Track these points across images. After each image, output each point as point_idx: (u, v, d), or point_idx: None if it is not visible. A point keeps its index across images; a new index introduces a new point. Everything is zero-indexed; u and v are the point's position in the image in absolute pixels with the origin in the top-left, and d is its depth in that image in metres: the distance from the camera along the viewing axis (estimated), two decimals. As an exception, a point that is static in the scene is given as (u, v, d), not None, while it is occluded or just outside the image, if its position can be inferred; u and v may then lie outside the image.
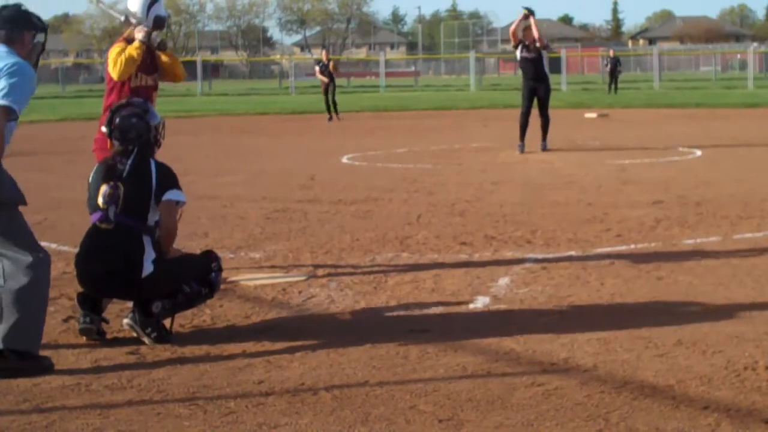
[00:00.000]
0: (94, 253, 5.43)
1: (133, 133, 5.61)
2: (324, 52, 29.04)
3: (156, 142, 5.76)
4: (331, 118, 26.30)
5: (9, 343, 4.84)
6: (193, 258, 5.73)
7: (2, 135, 4.83)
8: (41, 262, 4.96)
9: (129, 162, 5.54)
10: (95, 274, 5.41)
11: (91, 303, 5.52)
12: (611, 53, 42.45)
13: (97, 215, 5.47)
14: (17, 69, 4.86)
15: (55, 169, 14.42)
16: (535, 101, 16.30)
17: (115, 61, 6.73)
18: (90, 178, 5.65)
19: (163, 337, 5.42)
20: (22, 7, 5.22)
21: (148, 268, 5.39)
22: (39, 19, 5.24)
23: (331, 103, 26.69)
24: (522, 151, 15.93)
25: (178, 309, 5.54)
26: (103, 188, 5.47)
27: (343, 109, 27.37)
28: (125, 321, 5.49)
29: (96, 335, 5.46)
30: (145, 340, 5.39)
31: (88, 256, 5.47)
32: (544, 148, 16.17)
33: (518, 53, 16.35)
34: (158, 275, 5.39)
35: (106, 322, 5.61)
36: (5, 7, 5.28)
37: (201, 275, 5.56)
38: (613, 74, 39.69)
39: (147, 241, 5.42)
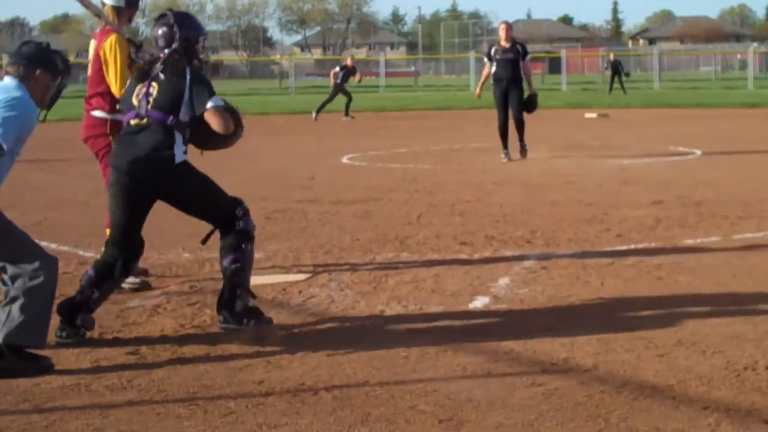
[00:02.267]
0: (126, 146, 5.59)
1: (162, 41, 5.73)
2: (349, 59, 29.45)
3: (190, 52, 5.74)
4: (316, 119, 26.46)
5: (12, 339, 4.84)
6: (220, 192, 5.81)
7: None
8: (49, 265, 4.95)
9: (160, 66, 5.67)
10: (127, 161, 5.50)
11: (69, 312, 5.47)
12: (612, 57, 42.29)
13: (130, 114, 5.65)
14: (15, 104, 4.78)
15: (55, 169, 14.41)
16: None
17: (117, 77, 6.77)
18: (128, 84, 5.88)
19: (264, 320, 5.63)
20: (44, 45, 5.13)
21: (179, 157, 5.62)
22: (64, 61, 5.16)
23: (323, 104, 26.85)
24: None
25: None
26: (137, 88, 5.68)
27: (343, 109, 27.34)
28: (221, 325, 5.60)
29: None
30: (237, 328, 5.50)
31: (119, 150, 5.65)
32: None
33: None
34: (190, 172, 5.70)
35: (87, 328, 5.51)
36: (27, 42, 5.24)
37: (223, 213, 5.73)
38: (614, 77, 39.52)
39: (178, 134, 5.60)
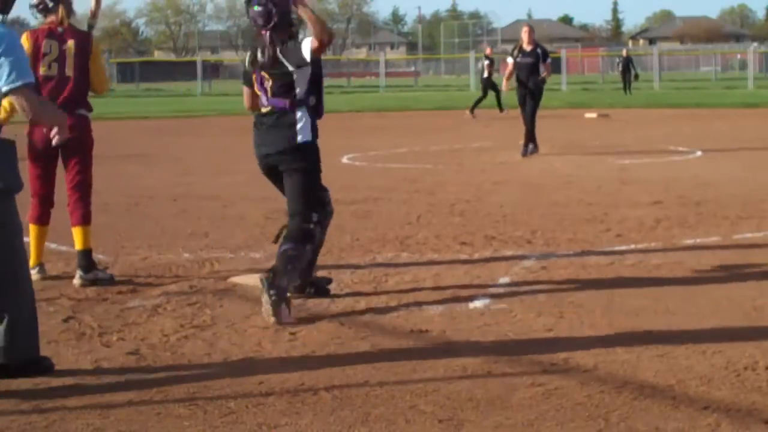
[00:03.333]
0: (261, 136, 6.24)
1: (261, 20, 6.05)
2: (489, 48, 29.70)
3: (288, 23, 6.13)
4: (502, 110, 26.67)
5: (13, 355, 4.78)
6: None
7: (37, 110, 4.84)
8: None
9: (268, 50, 6.05)
10: (266, 149, 6.20)
11: (301, 289, 6.33)
12: (624, 53, 42.11)
13: (261, 100, 6.18)
14: (7, 44, 4.64)
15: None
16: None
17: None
18: (247, 60, 6.28)
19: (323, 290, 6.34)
20: None
21: (306, 135, 6.11)
22: None
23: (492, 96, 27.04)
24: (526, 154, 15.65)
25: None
26: (256, 74, 6.16)
27: (344, 108, 27.34)
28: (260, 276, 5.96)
29: None
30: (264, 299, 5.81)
31: (257, 140, 6.30)
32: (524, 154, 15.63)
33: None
34: (313, 148, 6.19)
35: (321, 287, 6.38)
36: None
37: (320, 198, 6.30)
38: (626, 74, 39.27)
39: (303, 110, 6.09)
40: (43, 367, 4.88)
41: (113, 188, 12.31)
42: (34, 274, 7.01)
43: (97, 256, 7.89)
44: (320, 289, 6.43)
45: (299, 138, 6.07)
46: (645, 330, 5.47)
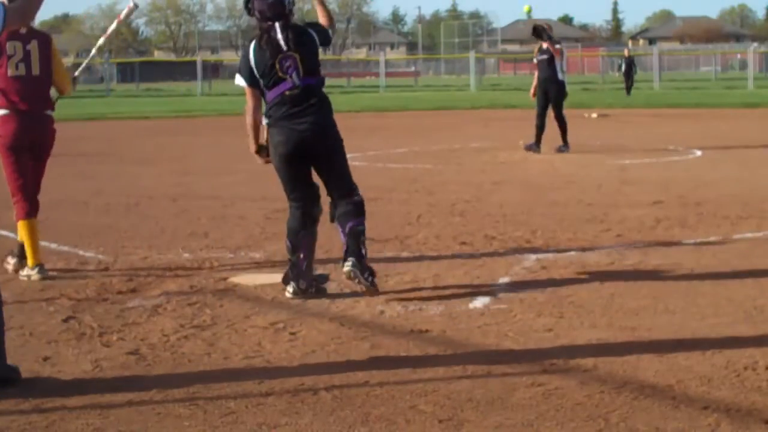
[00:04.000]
0: (293, 118, 6.25)
1: (270, 12, 6.26)
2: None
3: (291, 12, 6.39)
4: None
5: None
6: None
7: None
8: None
9: (287, 34, 6.23)
10: (305, 129, 6.22)
11: (292, 280, 6.39)
12: (626, 53, 41.99)
13: (284, 85, 6.24)
14: None
15: (55, 169, 14.39)
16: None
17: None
18: (251, 59, 6.38)
19: (374, 285, 6.22)
20: None
21: (332, 117, 6.37)
22: None
23: None
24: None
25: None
26: (280, 61, 6.23)
27: (344, 108, 27.34)
28: (346, 269, 6.15)
29: None
30: (363, 285, 6.14)
31: (287, 121, 6.25)
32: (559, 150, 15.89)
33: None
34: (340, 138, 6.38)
35: (320, 283, 6.45)
36: None
37: (351, 185, 6.38)
38: (629, 75, 39.11)
39: (323, 90, 6.39)
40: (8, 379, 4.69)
41: (113, 188, 12.32)
42: (34, 274, 7.03)
43: (98, 257, 7.91)
44: (320, 289, 6.44)
45: (330, 119, 6.38)
46: (645, 330, 5.47)
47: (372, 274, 6.21)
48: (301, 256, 6.33)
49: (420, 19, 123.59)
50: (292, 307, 6.18)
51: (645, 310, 5.92)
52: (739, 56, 72.11)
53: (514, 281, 6.77)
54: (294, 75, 6.23)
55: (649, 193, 10.94)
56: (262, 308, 6.16)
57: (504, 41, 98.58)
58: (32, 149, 7.21)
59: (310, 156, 6.30)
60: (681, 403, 4.31)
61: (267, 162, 6.50)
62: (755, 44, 61.58)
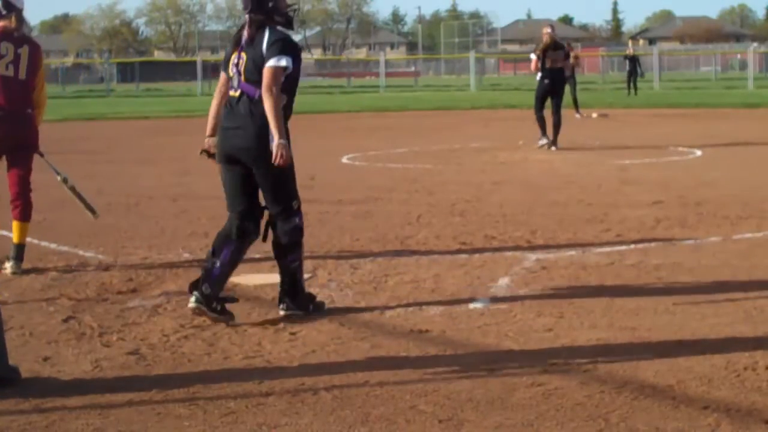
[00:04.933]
0: (227, 118, 5.86)
1: (247, 3, 5.79)
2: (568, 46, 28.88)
3: (270, 10, 5.78)
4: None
5: None
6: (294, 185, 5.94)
7: None
8: None
9: (252, 31, 5.77)
10: (229, 136, 5.81)
11: (196, 284, 5.85)
12: (630, 52, 41.82)
13: (230, 85, 5.84)
14: None
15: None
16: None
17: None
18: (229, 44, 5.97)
19: (320, 306, 6.01)
20: None
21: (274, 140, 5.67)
22: None
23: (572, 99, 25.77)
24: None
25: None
26: (233, 57, 5.82)
27: (344, 108, 27.34)
28: (281, 313, 5.89)
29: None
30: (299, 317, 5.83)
31: (223, 122, 5.89)
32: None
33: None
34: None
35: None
36: None
37: (285, 206, 5.86)
38: (632, 75, 38.96)
39: None
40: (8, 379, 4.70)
41: (113, 188, 12.32)
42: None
43: (98, 257, 7.91)
44: (224, 311, 5.85)
45: (271, 144, 5.68)
46: (645, 330, 5.47)
47: (311, 300, 5.99)
48: (217, 264, 5.82)
49: (420, 19, 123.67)
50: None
51: (645, 310, 5.91)
52: (739, 56, 72.08)
53: (514, 281, 6.77)
54: (236, 77, 5.80)
55: (649, 193, 10.94)
56: (262, 308, 6.16)
57: (504, 41, 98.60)
58: (16, 148, 7.35)
59: (245, 166, 5.82)
60: (681, 403, 4.31)
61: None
62: (755, 44, 61.59)
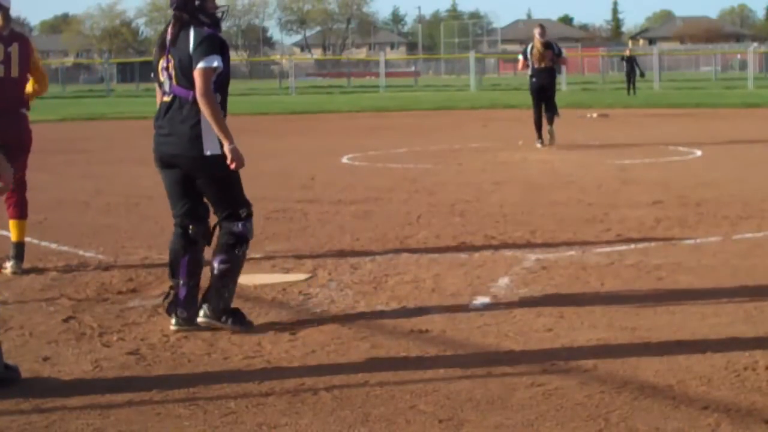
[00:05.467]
0: (159, 124, 5.62)
1: (173, 0, 5.57)
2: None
3: (201, 10, 5.52)
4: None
5: None
6: (239, 190, 5.71)
7: None
8: None
9: (177, 31, 5.53)
10: (162, 143, 5.60)
11: (173, 309, 5.67)
12: (627, 53, 41.96)
13: (162, 90, 5.62)
14: None
15: (55, 169, 14.41)
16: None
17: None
18: (155, 49, 5.73)
19: (243, 322, 5.63)
20: None
21: (213, 147, 5.46)
22: None
23: None
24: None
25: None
26: (161, 62, 5.58)
27: (344, 108, 27.33)
28: (199, 320, 5.64)
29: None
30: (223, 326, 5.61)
31: (156, 128, 5.66)
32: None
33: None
34: (222, 165, 5.47)
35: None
36: None
37: (232, 212, 5.64)
38: (631, 75, 39.07)
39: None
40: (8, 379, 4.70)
41: (113, 188, 12.32)
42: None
43: (98, 257, 7.91)
44: (240, 319, 5.72)
45: (206, 151, 5.47)
46: (645, 330, 5.47)
47: (233, 314, 5.64)
48: (180, 282, 5.64)
49: (420, 19, 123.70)
50: (293, 307, 6.18)
51: (645, 310, 5.91)
52: (739, 56, 72.09)
53: (514, 281, 6.77)
54: (167, 81, 5.54)
55: (649, 193, 10.94)
56: (262, 308, 6.16)
57: (504, 41, 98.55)
58: (9, 148, 7.31)
59: (181, 169, 5.62)
60: (681, 403, 4.31)
61: None
62: (755, 44, 61.58)
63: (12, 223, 7.41)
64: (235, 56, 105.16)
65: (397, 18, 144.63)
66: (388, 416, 4.23)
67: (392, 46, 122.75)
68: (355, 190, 11.67)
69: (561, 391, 4.48)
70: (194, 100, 5.44)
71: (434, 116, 28.83)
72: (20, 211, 7.41)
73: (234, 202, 5.65)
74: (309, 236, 8.68)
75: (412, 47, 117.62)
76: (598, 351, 5.09)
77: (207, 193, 5.67)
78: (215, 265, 5.64)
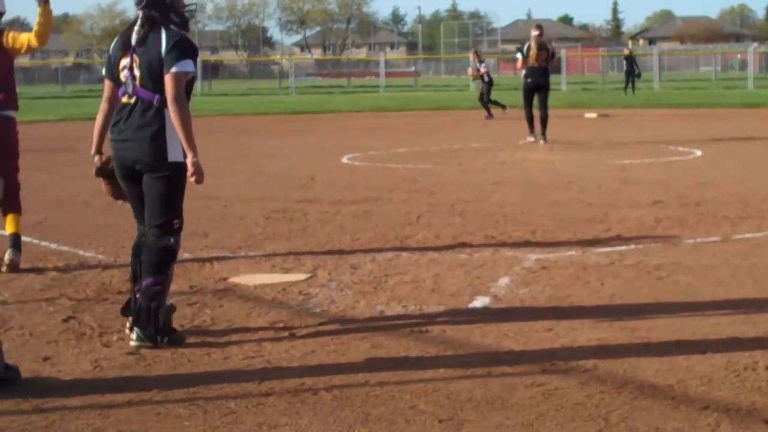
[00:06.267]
0: (118, 129, 5.40)
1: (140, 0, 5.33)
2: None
3: (166, 8, 5.32)
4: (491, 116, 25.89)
5: None
6: (181, 200, 5.46)
7: None
8: None
9: (143, 30, 5.29)
10: (123, 148, 5.37)
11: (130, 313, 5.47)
12: (626, 52, 41.98)
13: (121, 90, 5.39)
14: None
15: (55, 169, 14.40)
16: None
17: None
18: (113, 46, 5.47)
19: (178, 339, 5.37)
20: None
21: (177, 154, 5.28)
22: None
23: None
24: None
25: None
26: (123, 61, 5.34)
27: (344, 109, 27.33)
28: (131, 343, 5.35)
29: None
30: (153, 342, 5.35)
31: (114, 134, 5.44)
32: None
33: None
34: (181, 175, 5.33)
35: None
36: None
37: (167, 221, 5.35)
38: (630, 74, 39.06)
39: (168, 114, 5.24)
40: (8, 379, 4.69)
41: (113, 188, 12.31)
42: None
43: (98, 257, 7.91)
44: (172, 332, 5.45)
45: (170, 157, 5.30)
46: (645, 330, 5.47)
47: (167, 333, 5.34)
48: (137, 288, 5.46)
49: (420, 19, 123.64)
50: (292, 307, 6.18)
51: (645, 310, 5.91)
52: (739, 56, 72.08)
53: (514, 281, 6.77)
54: (130, 82, 5.32)
55: (649, 193, 10.94)
56: (262, 308, 6.16)
57: (504, 41, 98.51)
58: None
59: (138, 178, 5.40)
60: (681, 403, 4.31)
61: (110, 192, 5.69)
62: (755, 44, 61.60)
63: (7, 218, 7.44)
64: (235, 56, 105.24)
65: (397, 18, 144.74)
66: (388, 416, 4.23)
67: (392, 46, 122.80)
68: (355, 190, 11.67)
69: (561, 391, 4.48)
70: (160, 104, 5.25)
71: (434, 116, 28.83)
72: (14, 208, 7.44)
73: (173, 212, 5.38)
74: (309, 236, 8.68)
75: (412, 47, 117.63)
76: (598, 351, 5.09)
77: (151, 195, 5.35)
78: (147, 286, 5.32)
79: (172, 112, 5.20)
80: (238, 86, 62.87)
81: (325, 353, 5.17)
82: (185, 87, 5.25)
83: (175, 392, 4.58)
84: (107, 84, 5.49)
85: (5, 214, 7.47)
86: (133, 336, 5.35)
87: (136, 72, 5.29)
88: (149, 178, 5.35)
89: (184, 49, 5.24)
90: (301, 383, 4.67)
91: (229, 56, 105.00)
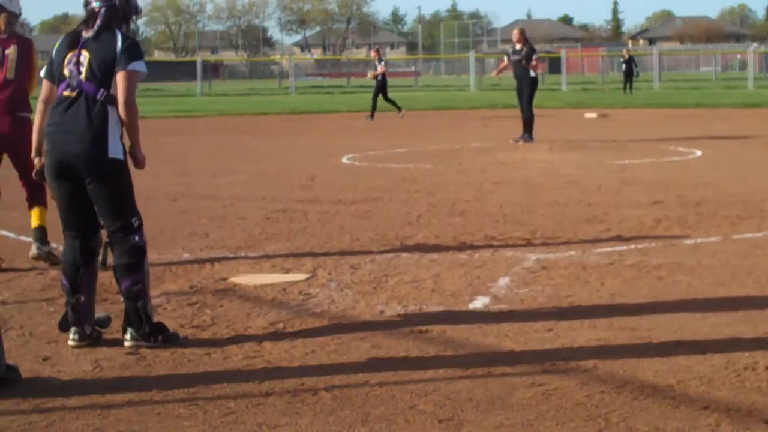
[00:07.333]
0: (57, 122, 5.28)
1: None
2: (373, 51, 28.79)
3: (126, 13, 5.42)
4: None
5: None
6: (133, 198, 5.43)
7: None
8: None
9: (97, 29, 5.31)
10: (61, 141, 5.24)
11: (73, 324, 5.36)
12: (626, 53, 42.21)
13: (62, 85, 5.30)
14: None
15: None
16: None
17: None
18: (57, 45, 5.43)
19: (172, 338, 5.39)
20: None
21: (117, 151, 5.24)
22: None
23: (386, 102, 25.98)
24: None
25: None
26: (68, 56, 5.32)
27: (344, 109, 27.32)
28: (126, 344, 5.34)
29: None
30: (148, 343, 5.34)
31: (51, 127, 5.30)
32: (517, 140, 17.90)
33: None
34: (122, 172, 5.30)
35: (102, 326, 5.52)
36: None
37: (125, 223, 5.33)
38: (629, 75, 39.31)
39: (113, 110, 5.23)
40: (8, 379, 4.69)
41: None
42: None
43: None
44: (95, 334, 5.45)
45: (110, 153, 5.23)
46: (645, 330, 5.47)
47: (161, 330, 5.36)
48: (82, 298, 5.35)
49: (420, 19, 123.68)
50: (292, 307, 6.18)
51: (645, 310, 5.91)
52: (739, 56, 72.12)
53: (514, 281, 6.77)
54: (75, 74, 5.26)
55: (649, 193, 10.94)
56: (262, 308, 6.15)
57: (504, 41, 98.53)
58: (8, 148, 7.48)
59: (79, 176, 5.27)
60: (681, 403, 4.31)
61: (53, 195, 5.51)
62: (755, 44, 61.61)
63: (33, 211, 7.59)
64: (235, 56, 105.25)
65: (397, 18, 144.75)
66: (388, 416, 4.23)
67: (392, 46, 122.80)
68: (355, 190, 11.68)
69: (561, 391, 4.49)
70: (104, 99, 5.23)
71: (434, 116, 28.84)
72: (39, 201, 7.56)
73: (128, 212, 5.34)
74: (309, 236, 8.68)
75: (412, 47, 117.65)
76: (598, 351, 5.09)
77: (100, 200, 5.29)
78: (127, 288, 5.32)
79: (122, 110, 5.24)
80: (238, 86, 62.87)
81: (325, 353, 5.17)
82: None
83: (175, 392, 4.58)
84: (45, 85, 5.45)
85: (31, 207, 7.60)
86: (127, 336, 5.35)
87: (83, 66, 5.27)
88: (92, 182, 5.26)
89: (139, 52, 5.37)
90: (301, 383, 4.67)
91: (229, 56, 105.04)
